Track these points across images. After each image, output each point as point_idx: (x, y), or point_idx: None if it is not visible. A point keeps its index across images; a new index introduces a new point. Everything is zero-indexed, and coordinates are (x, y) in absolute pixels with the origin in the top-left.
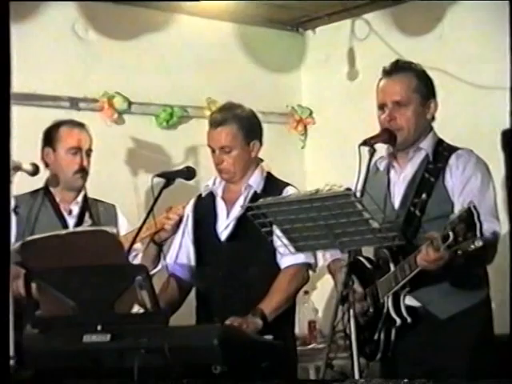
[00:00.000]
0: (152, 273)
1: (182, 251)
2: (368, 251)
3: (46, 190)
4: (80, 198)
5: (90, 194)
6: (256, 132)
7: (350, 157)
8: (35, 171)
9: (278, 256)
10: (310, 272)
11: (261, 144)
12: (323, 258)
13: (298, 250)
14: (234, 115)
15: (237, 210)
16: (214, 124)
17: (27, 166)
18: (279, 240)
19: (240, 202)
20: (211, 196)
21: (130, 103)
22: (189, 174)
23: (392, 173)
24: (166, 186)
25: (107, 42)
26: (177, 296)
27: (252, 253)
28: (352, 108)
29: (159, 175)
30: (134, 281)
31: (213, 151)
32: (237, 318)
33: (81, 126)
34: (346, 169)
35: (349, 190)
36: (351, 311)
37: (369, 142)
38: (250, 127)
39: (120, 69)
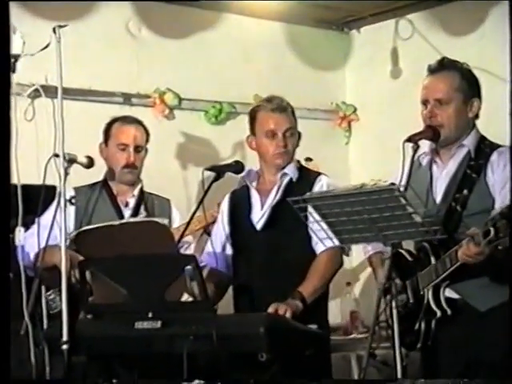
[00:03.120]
0: (203, 264)
1: (217, 246)
2: (408, 244)
3: (104, 183)
4: (136, 192)
5: (147, 186)
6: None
7: (393, 152)
8: (90, 164)
9: (313, 242)
10: (353, 264)
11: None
12: (365, 250)
13: (343, 242)
14: (287, 103)
15: (271, 199)
16: (278, 109)
17: (82, 159)
18: (315, 227)
19: (274, 191)
20: (245, 188)
21: (180, 99)
22: (237, 167)
23: (434, 168)
24: (215, 179)
25: (159, 40)
26: (214, 290)
27: (286, 240)
28: (395, 105)
29: (209, 169)
30: (184, 270)
31: (273, 135)
32: (278, 304)
33: (134, 123)
34: (388, 164)
35: (393, 184)
36: (393, 302)
37: (413, 139)
38: (295, 116)
39: (171, 66)
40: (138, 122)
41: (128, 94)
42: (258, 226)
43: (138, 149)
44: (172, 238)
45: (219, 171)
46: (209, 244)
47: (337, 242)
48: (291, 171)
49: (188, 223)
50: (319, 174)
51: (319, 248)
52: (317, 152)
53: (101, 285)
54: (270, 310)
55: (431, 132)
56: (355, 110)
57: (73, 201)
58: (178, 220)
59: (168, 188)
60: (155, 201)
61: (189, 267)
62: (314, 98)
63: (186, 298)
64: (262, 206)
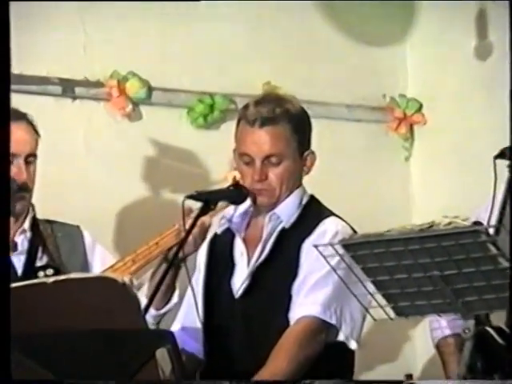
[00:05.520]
0: (162, 311)
1: (191, 317)
2: (499, 319)
3: None
4: (27, 225)
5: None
6: (310, 139)
7: (478, 173)
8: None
9: (291, 305)
10: (416, 346)
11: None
12: (433, 326)
13: (400, 313)
14: (285, 111)
15: (256, 256)
16: (260, 121)
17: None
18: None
19: (261, 243)
20: (229, 235)
21: (150, 89)
22: (236, 195)
23: None
24: (203, 212)
25: (117, 1)
26: None
27: (272, 311)
28: (481, 100)
29: (193, 197)
30: (155, 354)
31: (247, 162)
32: None
33: (20, 119)
34: (471, 191)
35: (479, 224)
36: None
37: (508, 154)
38: (304, 131)
39: (136, 39)
40: (22, 118)
41: (70, 80)
42: (239, 292)
43: (29, 159)
44: (137, 302)
45: (209, 200)
46: (181, 315)
47: (317, 310)
48: (284, 212)
49: (164, 275)
50: (328, 214)
51: (293, 315)
52: (361, 171)
53: (28, 374)
54: None
55: None
56: (420, 107)
57: None
58: (98, 254)
59: (131, 224)
60: (58, 233)
61: (162, 349)
62: (357, 89)
63: None
64: (249, 264)
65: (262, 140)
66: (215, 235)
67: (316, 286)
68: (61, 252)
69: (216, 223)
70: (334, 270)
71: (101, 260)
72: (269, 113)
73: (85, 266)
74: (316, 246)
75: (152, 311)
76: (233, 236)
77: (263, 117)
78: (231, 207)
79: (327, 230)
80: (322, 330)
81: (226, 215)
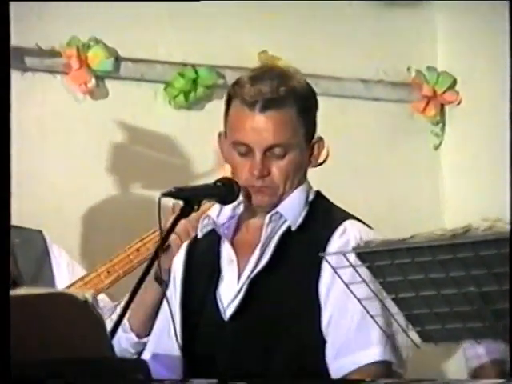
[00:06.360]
0: (145, 340)
1: (165, 341)
2: None
3: None
4: None
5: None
6: (316, 122)
7: None
8: None
9: (329, 350)
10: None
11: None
12: (469, 353)
13: (427, 338)
14: (291, 90)
15: (251, 266)
16: (261, 104)
17: None
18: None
19: (258, 250)
20: (214, 238)
21: (117, 59)
22: (226, 192)
23: None
24: (184, 213)
25: None
26: None
27: (275, 339)
28: None
29: (170, 194)
30: None
31: (243, 153)
32: None
33: None
34: None
35: None
36: None
37: None
38: (311, 114)
39: None
40: None
41: (18, 48)
42: (228, 313)
43: None
44: (101, 324)
45: (189, 199)
46: (154, 337)
47: (377, 354)
48: (289, 211)
49: (135, 291)
50: (345, 216)
51: (341, 364)
52: (379, 161)
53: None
54: None
55: None
56: (454, 82)
57: None
58: (65, 264)
59: (96, 226)
60: (15, 239)
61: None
62: (375, 61)
63: None
64: (239, 277)
65: (263, 127)
66: (195, 239)
67: (364, 319)
68: (18, 262)
69: (180, 259)
70: (353, 293)
71: (68, 271)
72: (272, 93)
73: (49, 278)
74: (322, 256)
75: (133, 338)
76: (219, 240)
77: (265, 98)
78: (216, 204)
79: (350, 240)
80: (387, 371)
81: (210, 214)
